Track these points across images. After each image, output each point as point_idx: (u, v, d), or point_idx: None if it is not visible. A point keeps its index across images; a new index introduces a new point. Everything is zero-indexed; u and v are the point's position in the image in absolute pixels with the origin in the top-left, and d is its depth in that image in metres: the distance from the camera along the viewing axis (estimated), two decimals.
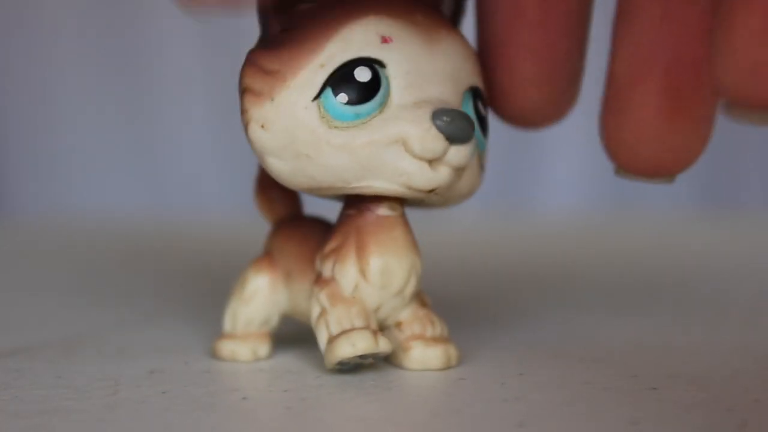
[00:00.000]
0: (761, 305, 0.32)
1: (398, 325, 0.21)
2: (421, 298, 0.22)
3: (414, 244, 0.21)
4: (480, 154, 0.22)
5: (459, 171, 0.20)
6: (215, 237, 0.54)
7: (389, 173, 0.20)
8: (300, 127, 0.20)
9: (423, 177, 0.20)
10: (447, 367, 0.21)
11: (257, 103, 0.20)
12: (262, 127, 0.20)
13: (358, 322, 0.20)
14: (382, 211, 0.21)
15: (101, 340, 0.26)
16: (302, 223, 0.23)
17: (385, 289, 0.21)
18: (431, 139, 0.19)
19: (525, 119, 0.22)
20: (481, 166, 0.22)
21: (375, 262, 0.21)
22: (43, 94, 0.69)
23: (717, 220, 0.65)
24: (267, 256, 0.23)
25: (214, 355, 0.23)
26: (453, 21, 0.23)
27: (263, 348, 0.23)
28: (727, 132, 0.70)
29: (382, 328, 0.21)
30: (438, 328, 0.22)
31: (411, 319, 0.21)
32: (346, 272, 0.21)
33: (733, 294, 0.34)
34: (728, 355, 0.24)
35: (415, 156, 0.20)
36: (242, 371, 0.22)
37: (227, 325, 0.23)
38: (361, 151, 0.20)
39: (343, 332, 0.20)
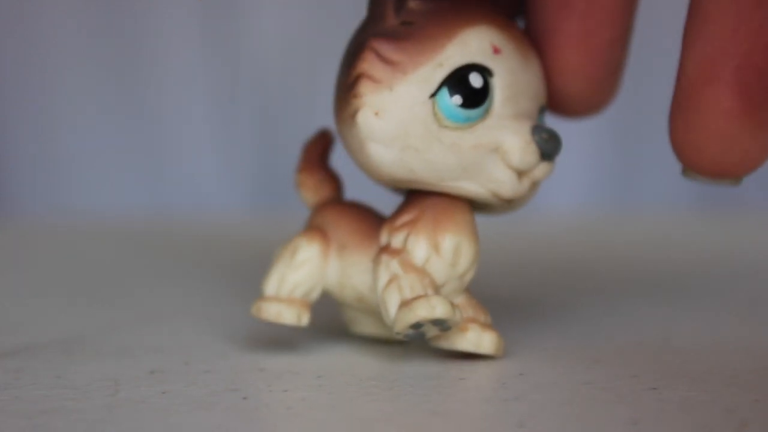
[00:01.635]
0: (761, 305, 0.32)
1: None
2: (468, 291, 0.22)
3: (478, 235, 0.22)
4: None
5: (536, 185, 0.21)
6: (216, 236, 0.54)
7: (483, 178, 0.21)
8: (415, 121, 0.21)
9: (511, 187, 0.21)
10: (495, 355, 0.22)
11: (375, 90, 0.21)
12: (376, 114, 0.21)
13: (431, 292, 0.21)
14: (454, 194, 0.22)
15: (101, 340, 0.26)
16: (352, 203, 0.24)
17: (454, 267, 0.21)
18: (530, 153, 0.21)
19: (568, 108, 0.23)
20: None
21: (450, 239, 0.21)
22: (43, 94, 0.69)
23: (717, 220, 0.65)
24: (318, 228, 0.23)
25: (256, 314, 0.23)
26: None
27: (306, 316, 0.23)
28: None
29: None
30: (489, 319, 0.22)
31: (466, 303, 0.22)
32: (420, 245, 0.21)
33: (733, 294, 0.34)
34: (728, 355, 0.24)
35: (510, 166, 0.21)
36: (242, 371, 0.22)
37: (271, 287, 0.23)
38: (468, 153, 0.21)
39: (421, 296, 0.21)
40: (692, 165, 0.21)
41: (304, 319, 0.23)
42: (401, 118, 0.21)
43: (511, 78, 0.21)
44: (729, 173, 0.21)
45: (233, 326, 0.27)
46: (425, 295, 0.21)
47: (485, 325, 0.22)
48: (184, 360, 0.23)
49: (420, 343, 0.22)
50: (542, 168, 0.21)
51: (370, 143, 0.21)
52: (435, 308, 0.20)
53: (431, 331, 0.21)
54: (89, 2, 0.68)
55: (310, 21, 0.61)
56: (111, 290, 0.35)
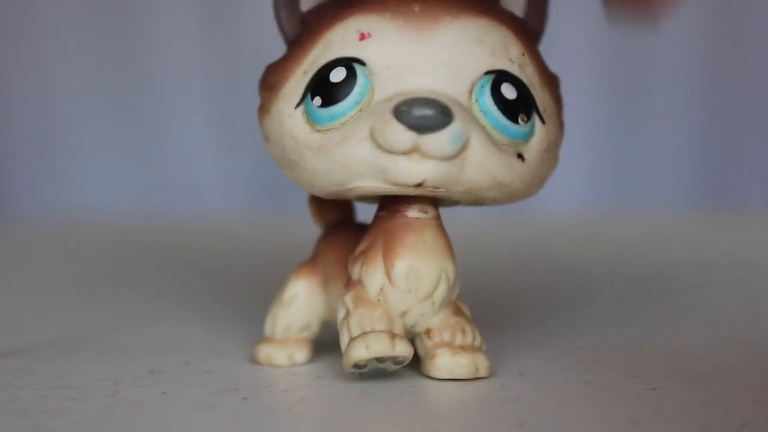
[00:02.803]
0: (761, 305, 0.32)
1: (428, 332, 0.21)
2: (456, 305, 0.21)
3: (446, 247, 0.20)
4: (514, 143, 0.20)
5: (457, 161, 0.19)
6: (215, 237, 0.54)
7: (370, 171, 0.19)
8: (286, 136, 0.20)
9: (402, 171, 0.19)
10: (475, 378, 0.20)
11: (262, 117, 0.21)
12: (266, 140, 0.21)
13: (379, 326, 0.20)
14: (413, 213, 0.20)
15: (101, 340, 0.26)
16: (346, 229, 0.23)
17: (412, 293, 0.20)
18: (390, 131, 0.19)
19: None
20: (518, 155, 0.20)
21: (400, 265, 0.20)
22: (44, 95, 0.69)
23: (717, 220, 0.65)
24: (310, 261, 0.23)
25: (253, 359, 0.22)
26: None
27: (300, 354, 0.22)
28: (727, 132, 0.70)
29: (411, 335, 0.21)
30: (469, 337, 0.21)
31: (441, 326, 0.21)
32: (372, 275, 0.20)
33: (734, 294, 0.34)
34: (728, 355, 0.24)
35: (383, 150, 0.19)
36: (242, 371, 0.22)
37: (267, 329, 0.23)
38: (336, 151, 0.19)
39: (361, 335, 0.20)
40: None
41: (298, 357, 0.22)
42: (277, 136, 0.20)
43: (392, 59, 0.20)
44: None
45: (233, 326, 0.27)
46: (367, 333, 0.20)
47: (460, 348, 0.20)
48: (184, 360, 0.23)
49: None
50: (430, 141, 0.19)
51: (281, 169, 0.21)
52: (369, 348, 0.19)
53: (380, 367, 0.20)
54: (90, 4, 0.68)
55: None
56: (111, 290, 0.35)
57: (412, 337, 0.21)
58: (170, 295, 0.33)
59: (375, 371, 0.20)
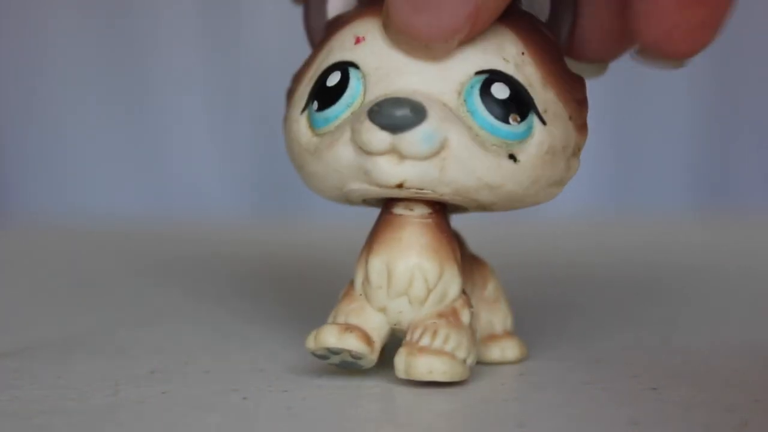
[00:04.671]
0: (761, 305, 0.32)
1: (406, 330, 0.21)
2: (454, 308, 0.20)
3: (427, 247, 0.20)
4: (506, 144, 0.19)
5: (437, 161, 0.19)
6: (215, 237, 0.54)
7: (355, 173, 0.19)
8: (293, 141, 0.21)
9: (382, 172, 0.19)
10: (430, 381, 0.20)
11: (283, 125, 0.21)
12: (287, 147, 0.21)
13: (348, 319, 0.20)
14: (398, 210, 0.20)
15: (101, 340, 0.26)
16: None
17: (385, 289, 0.20)
18: (365, 131, 0.19)
19: (668, 44, 0.20)
20: (510, 156, 0.19)
21: (373, 262, 0.20)
22: (44, 97, 0.69)
23: (717, 220, 0.65)
24: None
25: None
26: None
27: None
28: (727, 132, 0.70)
29: (398, 333, 0.21)
30: (439, 340, 0.20)
31: (415, 325, 0.20)
32: (356, 271, 0.21)
33: (733, 294, 0.34)
34: (728, 355, 0.24)
35: (363, 151, 0.19)
36: (242, 371, 0.22)
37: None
38: (327, 155, 0.20)
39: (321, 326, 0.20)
40: (649, 44, 0.20)
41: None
42: (288, 142, 0.21)
43: (381, 60, 0.20)
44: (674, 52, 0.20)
45: (233, 326, 0.27)
46: (325, 324, 0.20)
47: (421, 350, 0.20)
48: (184, 360, 0.23)
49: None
50: (401, 140, 0.18)
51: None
52: (317, 339, 0.20)
53: (347, 360, 0.20)
54: (90, 5, 0.68)
55: None
56: (111, 290, 0.35)
57: (401, 335, 0.21)
58: (170, 296, 0.33)
59: (345, 365, 0.21)
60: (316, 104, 0.20)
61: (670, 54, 0.20)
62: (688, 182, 0.70)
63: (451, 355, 0.20)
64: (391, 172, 0.19)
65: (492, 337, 0.23)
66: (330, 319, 0.21)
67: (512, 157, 0.20)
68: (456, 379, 0.20)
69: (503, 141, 0.19)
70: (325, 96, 0.20)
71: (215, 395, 0.20)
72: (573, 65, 0.21)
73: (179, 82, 0.69)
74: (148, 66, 0.69)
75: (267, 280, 0.36)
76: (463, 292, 0.21)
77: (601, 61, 0.22)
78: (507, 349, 0.23)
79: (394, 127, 0.18)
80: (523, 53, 0.20)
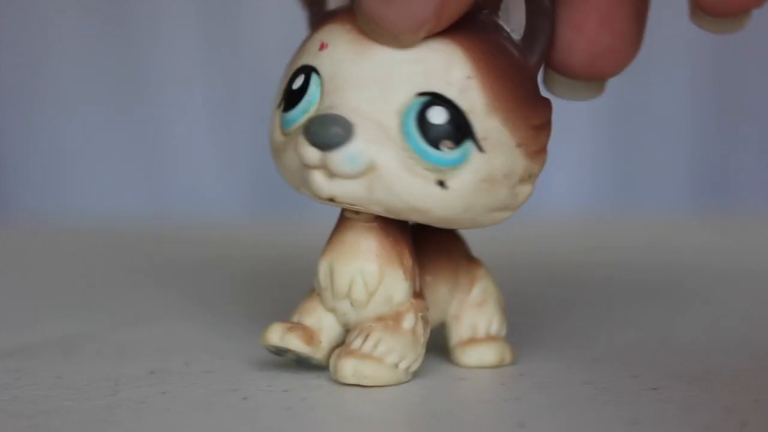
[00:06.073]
0: (761, 305, 0.32)
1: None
2: (398, 313, 0.20)
3: (369, 250, 0.20)
4: (437, 170, 0.19)
5: (365, 182, 0.19)
6: (215, 237, 0.54)
7: (300, 181, 0.20)
8: (270, 135, 0.21)
9: (316, 185, 0.19)
10: (347, 384, 0.20)
11: None
12: None
13: (302, 317, 0.21)
14: (347, 213, 0.21)
15: (101, 340, 0.26)
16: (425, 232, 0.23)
17: (330, 291, 0.21)
18: (300, 145, 0.19)
19: (593, 65, 0.21)
20: (440, 182, 0.19)
21: (321, 264, 0.21)
22: (44, 97, 0.69)
23: (717, 220, 0.65)
24: None
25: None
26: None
27: None
28: (726, 132, 0.70)
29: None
30: (369, 344, 0.20)
31: (355, 327, 0.21)
32: (316, 271, 0.21)
33: (733, 294, 0.34)
34: (728, 355, 0.24)
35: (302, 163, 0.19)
36: (242, 371, 0.22)
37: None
38: (284, 157, 0.20)
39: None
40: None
41: None
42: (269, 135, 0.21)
43: (336, 70, 0.19)
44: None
45: (233, 326, 0.27)
46: (273, 323, 0.21)
47: (345, 352, 0.20)
48: (184, 360, 0.23)
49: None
50: (329, 158, 0.19)
51: None
52: (263, 335, 0.21)
53: (293, 358, 0.21)
54: (90, 5, 0.68)
55: None
56: (111, 290, 0.35)
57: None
58: (170, 296, 0.33)
59: (300, 362, 0.21)
60: (283, 105, 0.20)
61: (728, 10, 0.19)
62: (688, 182, 0.70)
63: (379, 360, 0.20)
64: (323, 186, 0.19)
65: (472, 341, 0.22)
66: (294, 316, 0.21)
67: (441, 183, 0.19)
68: (382, 383, 0.20)
69: (434, 166, 0.19)
70: (290, 98, 0.20)
71: (215, 395, 0.20)
72: (564, 84, 0.21)
73: (179, 82, 0.69)
74: (148, 66, 0.69)
75: (267, 280, 0.36)
76: (418, 295, 0.21)
77: (590, 78, 0.21)
78: (486, 354, 0.22)
79: (322, 145, 0.19)
80: (469, 77, 0.19)
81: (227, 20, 0.69)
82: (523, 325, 0.26)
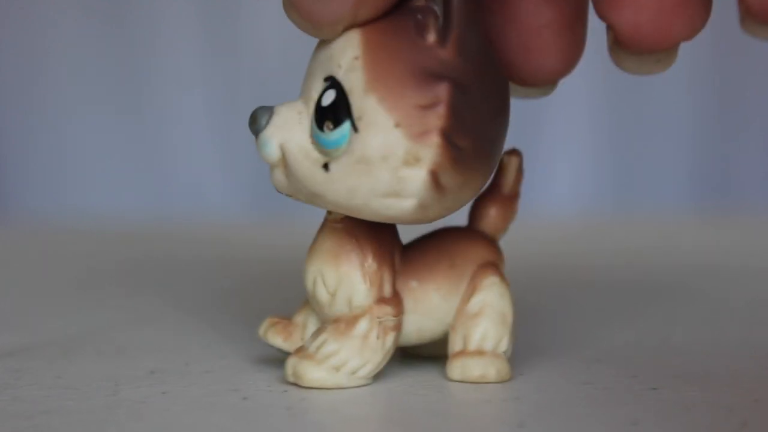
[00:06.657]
0: (761, 305, 0.32)
1: None
2: (354, 316, 0.20)
3: (330, 252, 0.20)
4: (325, 152, 0.19)
5: (285, 169, 0.19)
6: (215, 238, 0.54)
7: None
8: None
9: (274, 180, 0.20)
10: (289, 383, 0.20)
11: None
12: None
13: (298, 314, 0.22)
14: (326, 215, 0.21)
15: (101, 340, 0.26)
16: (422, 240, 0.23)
17: (305, 291, 0.21)
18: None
19: (662, 24, 0.20)
20: (325, 165, 0.19)
21: (305, 265, 0.21)
22: (45, 97, 0.69)
23: (717, 220, 0.65)
24: None
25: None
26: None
27: None
28: (727, 132, 0.70)
29: None
30: (315, 345, 0.20)
31: (317, 332, 0.21)
32: None
33: (733, 294, 0.34)
34: (728, 355, 0.24)
35: None
36: (242, 371, 0.22)
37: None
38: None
39: None
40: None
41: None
42: None
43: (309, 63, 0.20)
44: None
45: (233, 327, 0.27)
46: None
47: (296, 353, 0.20)
48: (184, 360, 0.23)
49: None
50: (258, 143, 0.20)
51: None
52: (259, 330, 0.22)
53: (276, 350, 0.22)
54: (90, 5, 0.68)
55: None
56: (111, 291, 0.35)
57: None
58: (170, 296, 0.33)
59: (280, 353, 0.22)
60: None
61: None
62: (688, 182, 0.70)
63: (318, 361, 0.20)
64: (277, 180, 0.20)
65: (461, 354, 0.21)
66: (297, 312, 0.22)
67: (325, 166, 0.19)
68: (318, 385, 0.20)
69: (323, 149, 0.19)
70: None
71: (215, 395, 0.20)
72: (632, 60, 0.20)
73: (179, 82, 0.69)
74: (149, 66, 0.69)
75: (267, 280, 0.36)
76: (385, 300, 0.20)
77: (660, 42, 0.20)
78: (469, 368, 0.21)
79: (253, 131, 0.20)
80: (356, 57, 0.19)
81: (227, 21, 0.69)
82: (523, 325, 0.26)
